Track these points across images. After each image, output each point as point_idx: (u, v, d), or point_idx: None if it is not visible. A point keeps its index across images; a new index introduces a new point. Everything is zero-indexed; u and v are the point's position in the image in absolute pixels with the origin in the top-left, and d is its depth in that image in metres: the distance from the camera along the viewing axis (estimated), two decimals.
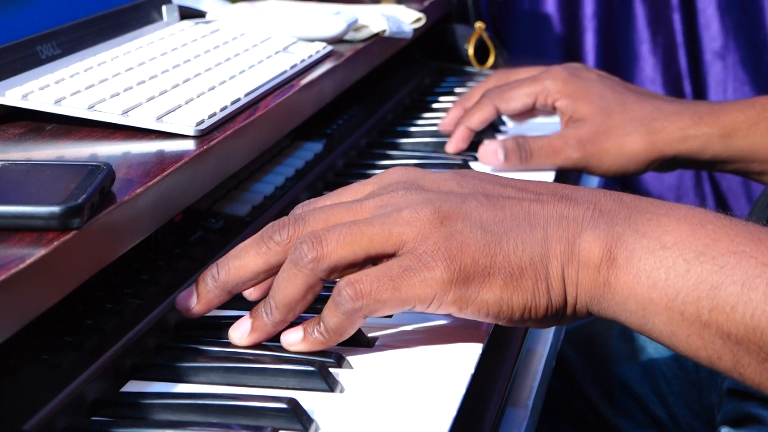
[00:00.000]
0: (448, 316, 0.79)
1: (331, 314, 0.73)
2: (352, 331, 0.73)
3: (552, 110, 1.26)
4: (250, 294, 0.79)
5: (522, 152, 1.20)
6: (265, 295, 0.76)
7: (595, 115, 1.21)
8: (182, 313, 0.77)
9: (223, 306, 0.79)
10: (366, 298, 0.71)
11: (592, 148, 1.20)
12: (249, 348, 0.76)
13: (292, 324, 0.75)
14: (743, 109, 1.20)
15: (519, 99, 1.25)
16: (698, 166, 1.23)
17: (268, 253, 0.74)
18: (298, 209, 0.79)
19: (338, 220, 0.74)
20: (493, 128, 1.35)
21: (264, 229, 0.76)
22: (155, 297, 0.82)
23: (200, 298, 0.76)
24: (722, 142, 1.19)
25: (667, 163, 1.22)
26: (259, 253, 0.75)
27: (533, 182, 0.78)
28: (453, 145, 1.26)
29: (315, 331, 0.74)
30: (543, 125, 1.34)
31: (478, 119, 1.25)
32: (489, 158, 1.21)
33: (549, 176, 1.21)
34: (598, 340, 1.29)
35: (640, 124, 1.20)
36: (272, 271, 0.75)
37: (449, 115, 1.31)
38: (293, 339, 0.74)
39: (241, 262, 0.75)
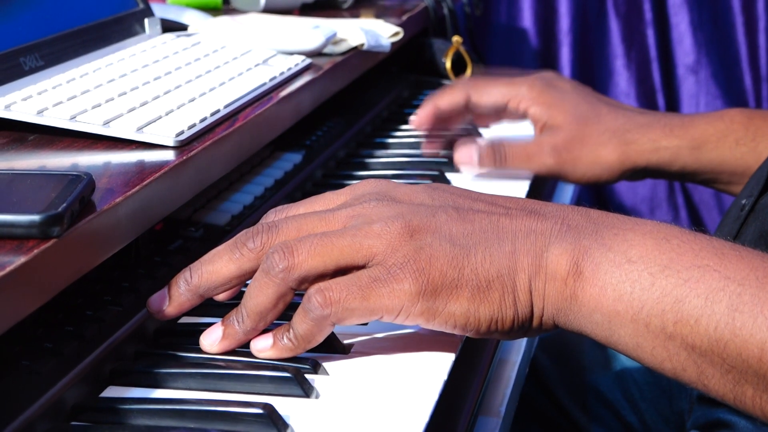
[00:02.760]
0: None
1: (300, 321, 0.73)
2: (320, 339, 0.74)
3: (522, 116, 1.27)
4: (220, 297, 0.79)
5: (497, 155, 1.21)
6: (235, 299, 0.76)
7: (570, 123, 1.22)
8: (153, 314, 0.77)
9: (201, 313, 0.80)
10: (335, 306, 0.71)
11: (566, 155, 1.21)
12: (226, 354, 0.76)
13: (265, 331, 0.75)
14: (712, 122, 1.21)
15: (492, 94, 1.26)
16: (668, 176, 1.24)
17: (241, 260, 0.75)
18: (271, 216, 0.79)
19: (310, 230, 0.75)
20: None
21: (237, 235, 0.76)
22: (135, 304, 0.82)
23: (172, 300, 0.76)
24: (692, 154, 1.20)
25: (638, 173, 1.23)
26: (232, 259, 0.75)
27: (503, 197, 0.78)
28: (417, 120, 1.28)
29: (284, 337, 0.74)
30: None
31: (448, 100, 1.26)
32: (464, 158, 1.22)
33: (524, 184, 1.21)
34: (571, 348, 1.29)
35: (614, 135, 1.21)
36: (244, 277, 0.75)
37: (422, 113, 1.31)
38: (263, 345, 0.75)
39: (214, 267, 0.75)
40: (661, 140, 1.20)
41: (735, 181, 1.20)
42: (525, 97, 1.25)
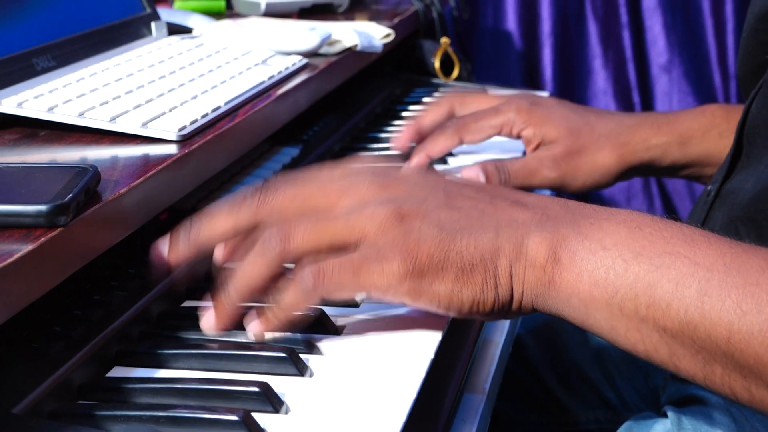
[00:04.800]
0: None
1: (289, 292, 0.71)
2: (303, 308, 0.72)
3: (516, 138, 1.20)
4: (218, 259, 0.78)
5: (501, 175, 1.17)
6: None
7: (565, 137, 1.17)
8: (154, 260, 0.76)
9: (203, 297, 0.78)
10: (327, 279, 0.70)
11: (566, 166, 1.16)
12: (225, 336, 0.75)
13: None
14: (696, 117, 1.19)
15: (484, 131, 1.19)
16: (658, 172, 1.21)
17: (238, 215, 0.74)
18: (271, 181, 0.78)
19: (306, 196, 0.74)
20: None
21: (237, 193, 0.76)
22: (140, 289, 0.80)
23: (172, 248, 0.76)
24: (680, 149, 1.18)
25: (630, 173, 1.20)
26: (230, 213, 0.75)
27: (490, 186, 0.77)
28: (399, 142, 1.20)
29: (272, 310, 0.73)
30: (500, 144, 1.31)
31: (440, 149, 1.18)
32: (470, 178, 1.18)
33: None
34: (554, 328, 1.28)
35: (608, 139, 1.17)
36: (238, 234, 0.75)
37: (404, 134, 1.22)
38: (255, 325, 0.73)
39: (212, 220, 0.75)
40: (651, 138, 1.18)
41: None
42: (516, 122, 1.19)
